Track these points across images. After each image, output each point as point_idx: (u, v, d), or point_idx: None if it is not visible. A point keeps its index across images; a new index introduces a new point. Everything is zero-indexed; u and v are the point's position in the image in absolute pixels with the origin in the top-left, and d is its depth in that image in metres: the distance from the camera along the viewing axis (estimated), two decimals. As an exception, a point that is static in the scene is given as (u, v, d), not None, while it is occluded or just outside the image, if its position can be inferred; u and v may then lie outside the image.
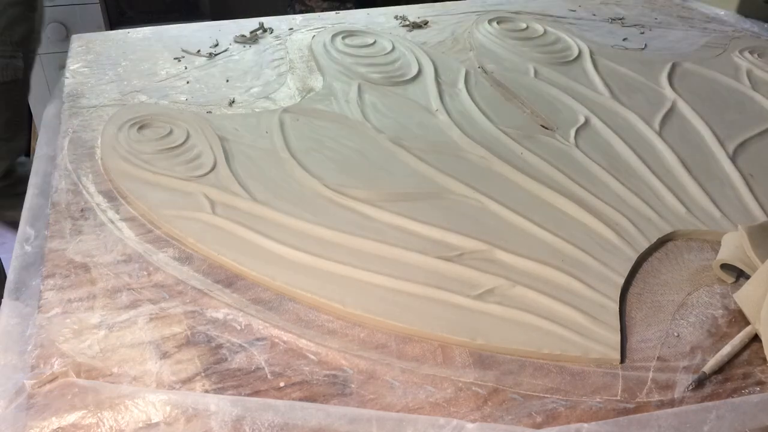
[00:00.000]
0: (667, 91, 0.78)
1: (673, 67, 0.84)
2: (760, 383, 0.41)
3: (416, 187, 0.58)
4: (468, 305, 0.46)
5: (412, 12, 1.01)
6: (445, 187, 0.59)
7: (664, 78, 0.81)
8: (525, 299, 0.47)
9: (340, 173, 0.60)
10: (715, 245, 0.53)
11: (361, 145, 0.65)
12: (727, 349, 0.42)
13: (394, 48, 0.87)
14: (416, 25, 0.95)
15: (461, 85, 0.78)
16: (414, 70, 0.81)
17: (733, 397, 0.39)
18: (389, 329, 0.45)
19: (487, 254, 0.51)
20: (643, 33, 0.97)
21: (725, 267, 0.49)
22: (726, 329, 0.45)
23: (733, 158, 0.64)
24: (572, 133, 0.69)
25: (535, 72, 0.82)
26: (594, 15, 1.04)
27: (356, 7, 1.24)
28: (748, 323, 0.44)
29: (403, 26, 0.96)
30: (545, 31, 0.94)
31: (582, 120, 0.71)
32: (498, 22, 0.96)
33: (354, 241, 0.52)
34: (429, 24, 0.96)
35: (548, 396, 0.39)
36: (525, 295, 0.47)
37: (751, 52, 0.89)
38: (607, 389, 0.40)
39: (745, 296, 0.45)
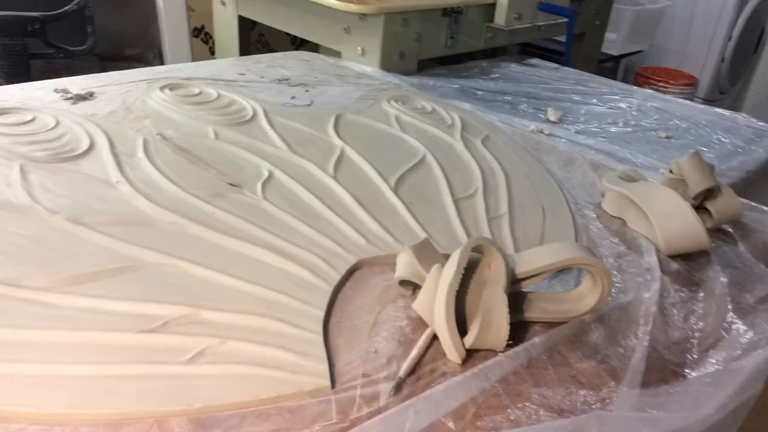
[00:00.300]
0: (335, 140, 0.88)
1: (337, 118, 0.95)
2: (443, 374, 0.48)
3: (105, 264, 0.55)
4: (180, 372, 0.45)
5: (75, 84, 0.96)
6: (138, 258, 0.57)
7: (330, 128, 0.91)
8: (237, 352, 0.48)
9: (13, 264, 0.54)
10: (393, 266, 0.61)
11: (33, 230, 0.59)
12: (414, 352, 0.49)
13: (58, 123, 0.81)
14: (81, 97, 0.90)
15: (141, 153, 0.76)
16: (85, 144, 0.76)
17: (425, 391, 0.46)
18: (96, 419, 0.41)
19: (192, 317, 0.51)
20: (308, 91, 1.08)
21: (403, 283, 0.57)
22: (412, 336, 0.52)
23: (395, 190, 0.75)
24: (259, 187, 0.72)
25: (215, 134, 0.85)
26: (262, 77, 1.12)
27: (6, 83, 1.12)
28: (427, 326, 0.52)
29: (65, 99, 0.90)
30: (219, 95, 0.98)
31: (266, 174, 0.76)
32: (170, 89, 0.97)
33: (40, 335, 0.47)
34: (95, 95, 0.92)
35: (272, 439, 0.41)
36: (236, 349, 0.48)
37: (395, 101, 1.05)
38: (324, 415, 0.43)
39: (420, 304, 0.53)
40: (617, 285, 0.61)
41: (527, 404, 0.46)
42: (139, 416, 0.42)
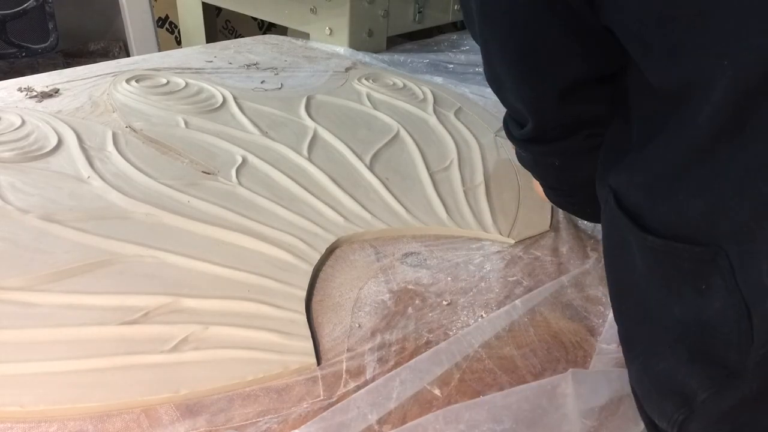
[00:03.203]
0: (308, 121, 0.87)
1: (308, 100, 0.94)
2: (428, 342, 0.48)
3: (81, 260, 0.55)
4: (164, 361, 0.45)
5: (39, 81, 0.94)
6: (115, 251, 0.56)
7: (302, 110, 0.90)
8: (220, 337, 0.48)
9: (-14, 266, 0.53)
10: (372, 242, 0.61)
11: (5, 231, 0.58)
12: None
13: (24, 122, 0.79)
14: (46, 95, 0.89)
15: (110, 147, 0.75)
16: (53, 141, 0.75)
17: (410, 361, 0.46)
18: (82, 413, 0.41)
19: (173, 306, 0.50)
20: (277, 74, 1.07)
21: None
22: (395, 309, 0.52)
23: (370, 168, 0.75)
24: (233, 173, 0.72)
25: (186, 123, 0.84)
26: (230, 63, 1.10)
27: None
28: (409, 297, 0.52)
29: (30, 98, 0.88)
30: (187, 84, 0.97)
31: (240, 160, 0.75)
32: (137, 81, 0.95)
33: (19, 334, 0.46)
34: (60, 92, 0.91)
35: (261, 419, 0.41)
36: (220, 334, 0.48)
37: (366, 79, 1.05)
38: (311, 393, 0.43)
39: None
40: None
41: (510, 366, 0.46)
42: (126, 407, 0.42)
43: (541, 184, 0.57)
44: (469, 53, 1.31)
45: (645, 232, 0.36)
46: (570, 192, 0.55)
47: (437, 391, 0.43)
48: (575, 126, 0.45)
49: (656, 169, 0.35)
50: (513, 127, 0.49)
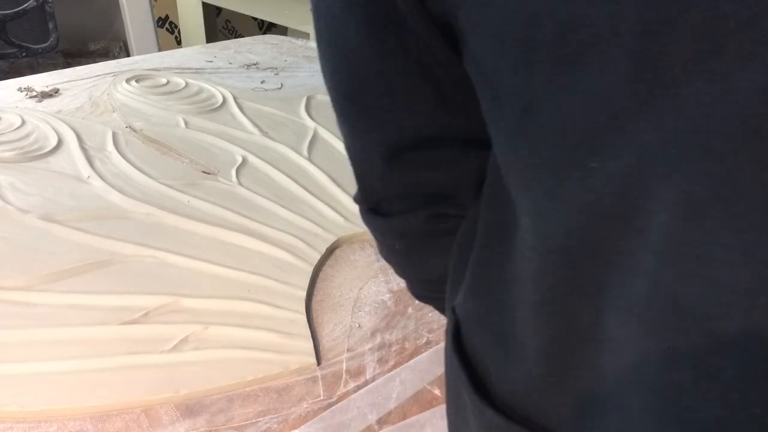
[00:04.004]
0: (308, 121, 0.87)
1: (308, 100, 0.94)
2: (428, 342, 0.48)
3: (82, 260, 0.55)
4: (164, 361, 0.45)
5: (39, 81, 0.94)
6: (115, 251, 0.56)
7: (302, 110, 0.90)
8: (221, 337, 0.48)
9: (-14, 266, 0.53)
10: (372, 242, 0.61)
11: (5, 231, 0.58)
12: (397, 324, 0.49)
13: (24, 122, 0.79)
14: (46, 95, 0.89)
15: (111, 147, 0.75)
16: (53, 141, 0.75)
17: (409, 361, 0.46)
18: (82, 413, 0.41)
19: (173, 306, 0.50)
20: (277, 74, 1.07)
21: None
22: (395, 309, 0.52)
23: (370, 167, 0.75)
24: (233, 173, 0.72)
25: (186, 123, 0.84)
26: (230, 63, 1.10)
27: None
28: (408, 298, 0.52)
29: (30, 98, 0.88)
30: (187, 84, 0.97)
31: (240, 160, 0.75)
32: (137, 81, 0.95)
33: (19, 334, 0.46)
34: (60, 92, 0.91)
35: (261, 419, 0.41)
36: (220, 334, 0.48)
37: (366, 79, 1.05)
38: (311, 393, 0.43)
39: None
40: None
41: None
42: (126, 407, 0.42)
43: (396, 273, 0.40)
44: (469, 53, 1.31)
45: (484, 402, 0.25)
46: (432, 290, 0.37)
47: (437, 391, 0.43)
48: (414, 199, 0.31)
49: (500, 305, 0.23)
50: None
